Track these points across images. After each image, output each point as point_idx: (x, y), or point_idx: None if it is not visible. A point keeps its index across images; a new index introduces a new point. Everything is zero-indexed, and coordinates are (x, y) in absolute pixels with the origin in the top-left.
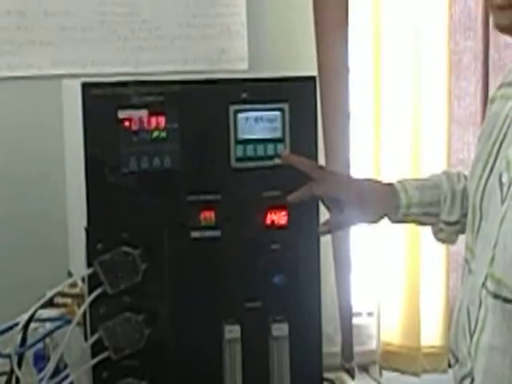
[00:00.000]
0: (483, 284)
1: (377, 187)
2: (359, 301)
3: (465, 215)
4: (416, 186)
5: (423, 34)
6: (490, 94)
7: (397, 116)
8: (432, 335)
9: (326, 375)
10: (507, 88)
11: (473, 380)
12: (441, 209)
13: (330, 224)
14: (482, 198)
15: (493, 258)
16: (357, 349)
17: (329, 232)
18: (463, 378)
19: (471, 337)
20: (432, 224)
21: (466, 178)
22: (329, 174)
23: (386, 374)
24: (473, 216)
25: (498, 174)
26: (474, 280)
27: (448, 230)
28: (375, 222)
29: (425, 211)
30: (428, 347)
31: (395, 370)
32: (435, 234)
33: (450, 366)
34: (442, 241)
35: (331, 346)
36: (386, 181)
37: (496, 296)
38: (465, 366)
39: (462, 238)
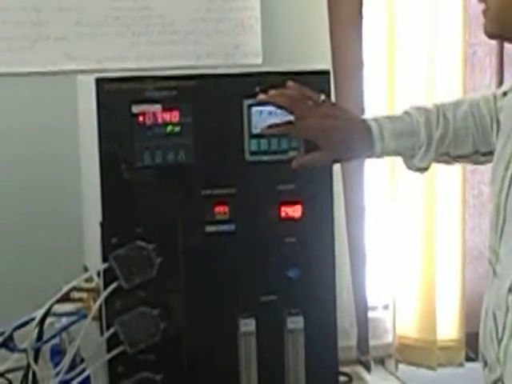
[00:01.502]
0: (510, 289)
1: (359, 137)
2: (375, 294)
3: (437, 159)
4: (393, 133)
5: (438, 27)
6: (503, 87)
7: None
8: (448, 329)
9: (342, 369)
10: None
11: None
12: (414, 154)
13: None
14: (506, 199)
15: None
16: (372, 342)
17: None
18: (494, 383)
19: (499, 342)
20: (403, 159)
21: (445, 117)
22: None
23: (401, 367)
24: (497, 217)
25: None
26: (500, 284)
27: (417, 170)
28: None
29: (398, 154)
30: (444, 341)
31: (411, 363)
32: (405, 163)
33: (467, 360)
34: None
35: (347, 340)
36: None
37: None
38: (494, 372)
39: (479, 232)
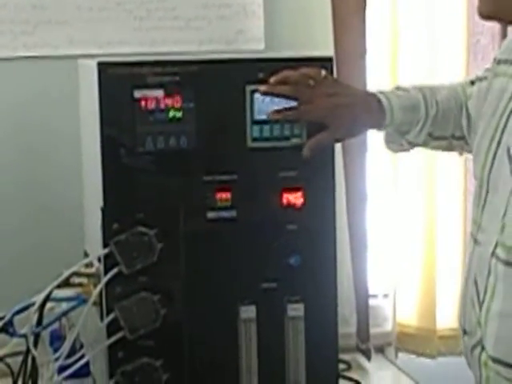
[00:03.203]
0: (493, 253)
1: (367, 110)
2: (375, 282)
3: (427, 139)
4: (400, 106)
5: (441, 15)
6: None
7: None
8: (448, 317)
9: (342, 356)
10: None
11: (483, 348)
12: (410, 129)
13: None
14: (489, 172)
15: (503, 227)
16: (372, 330)
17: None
18: (473, 348)
19: (480, 306)
20: (392, 135)
21: (435, 97)
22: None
23: (401, 355)
24: (479, 189)
25: (506, 147)
26: (482, 251)
27: (405, 147)
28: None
29: (397, 129)
30: (444, 330)
31: (411, 351)
32: (387, 143)
33: None
34: (393, 151)
35: (347, 327)
36: None
37: (508, 263)
38: (474, 336)
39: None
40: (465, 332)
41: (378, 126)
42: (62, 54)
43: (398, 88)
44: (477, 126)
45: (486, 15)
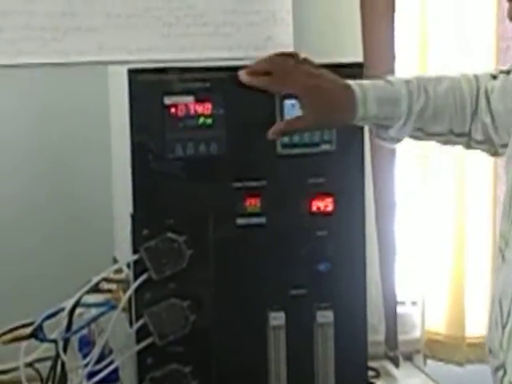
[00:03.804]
0: None
1: (343, 100)
2: (403, 289)
3: (412, 133)
4: (376, 99)
5: (470, 20)
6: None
7: None
8: (477, 325)
9: (370, 364)
10: None
11: (505, 372)
12: (392, 124)
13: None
14: None
15: None
16: (401, 338)
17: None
18: (497, 370)
19: (503, 329)
20: (377, 130)
21: (426, 91)
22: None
23: (430, 363)
24: (509, 203)
25: None
26: (508, 271)
27: (390, 142)
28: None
29: (376, 123)
30: (473, 337)
31: (439, 359)
32: (374, 136)
33: None
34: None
35: (375, 335)
36: None
37: None
38: (497, 358)
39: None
40: (490, 351)
41: (352, 118)
42: (92, 60)
43: (386, 80)
44: (509, 123)
45: None
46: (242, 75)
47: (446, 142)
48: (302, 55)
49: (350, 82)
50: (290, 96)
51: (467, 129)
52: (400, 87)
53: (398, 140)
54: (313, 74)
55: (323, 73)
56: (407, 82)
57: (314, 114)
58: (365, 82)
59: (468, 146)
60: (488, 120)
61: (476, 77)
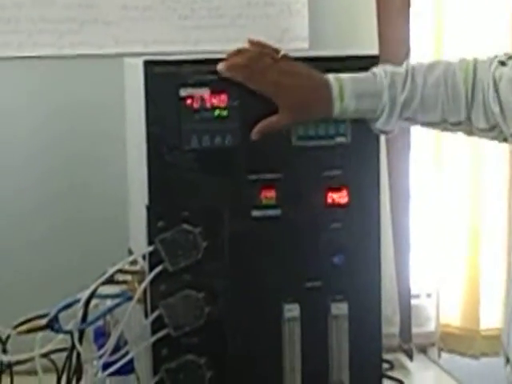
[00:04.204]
0: None
1: (319, 96)
2: (418, 282)
3: (404, 120)
4: (354, 93)
5: (486, 15)
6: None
7: None
8: (492, 318)
9: (384, 356)
10: None
11: (508, 361)
12: (377, 117)
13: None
14: None
15: None
16: (415, 330)
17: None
18: (507, 362)
19: None
20: (368, 121)
21: (414, 81)
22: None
23: (444, 355)
24: None
25: None
26: None
27: (381, 133)
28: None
29: (359, 116)
30: (487, 330)
31: (454, 352)
32: (370, 125)
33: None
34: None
35: (389, 327)
36: None
37: None
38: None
39: None
40: (507, 361)
41: (329, 113)
42: (108, 52)
43: (371, 72)
44: None
45: None
46: (221, 67)
47: (443, 130)
48: (282, 52)
49: (329, 76)
50: None
51: (463, 117)
52: (382, 78)
53: (387, 132)
54: (287, 72)
55: (299, 70)
56: (393, 72)
57: (289, 112)
58: (345, 75)
59: (470, 134)
60: (497, 110)
61: (475, 64)
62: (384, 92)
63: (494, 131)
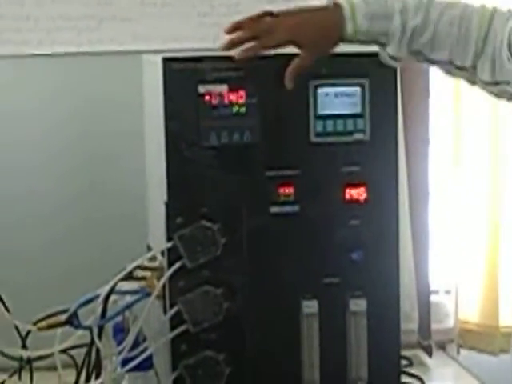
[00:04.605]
0: None
1: (332, 20)
2: (437, 278)
3: (413, 52)
4: (366, 14)
5: None
6: None
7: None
8: (511, 314)
9: (403, 352)
10: None
11: None
12: (388, 41)
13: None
14: None
15: None
16: (434, 327)
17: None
18: None
19: None
20: (379, 49)
21: (428, 12)
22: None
23: (463, 352)
24: None
25: None
26: None
27: (390, 61)
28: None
29: (372, 39)
30: (506, 326)
31: (473, 348)
32: (381, 54)
33: None
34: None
35: (408, 324)
36: None
37: None
38: None
39: None
40: None
41: (343, 34)
42: (126, 49)
43: None
44: None
45: None
46: (237, 54)
47: (448, 73)
48: (275, 11)
49: (341, 0)
50: (323, 85)
51: (468, 64)
52: (393, 2)
53: (397, 59)
54: (292, 14)
55: (302, 9)
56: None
57: (309, 48)
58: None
59: (473, 84)
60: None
61: (492, 13)
62: (395, 15)
63: (499, 86)
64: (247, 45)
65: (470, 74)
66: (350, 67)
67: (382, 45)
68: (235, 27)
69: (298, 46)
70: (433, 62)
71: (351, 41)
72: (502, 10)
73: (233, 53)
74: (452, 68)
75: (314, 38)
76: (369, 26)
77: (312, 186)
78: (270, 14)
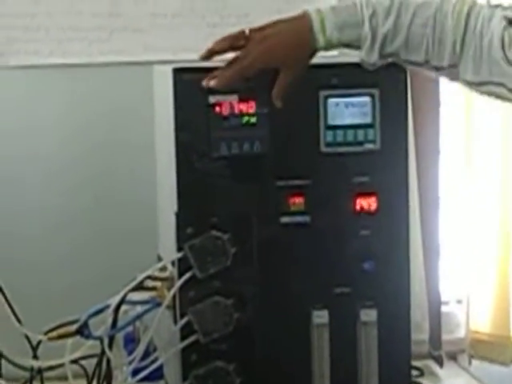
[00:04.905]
0: None
1: (303, 36)
2: (448, 288)
3: (384, 57)
4: (336, 25)
5: None
6: None
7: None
8: None
9: (414, 363)
10: None
11: None
12: (361, 46)
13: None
14: None
15: None
16: (445, 337)
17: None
18: None
19: None
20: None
21: (399, 16)
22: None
23: (475, 362)
24: None
25: None
26: None
27: (368, 66)
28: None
29: (346, 46)
30: None
31: (484, 358)
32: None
33: None
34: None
35: (419, 334)
36: None
37: None
38: None
39: None
40: None
41: (317, 48)
42: (137, 60)
43: (352, 2)
44: None
45: None
46: (213, 83)
47: (428, 71)
48: (246, 31)
49: (311, 10)
50: (334, 95)
51: (445, 64)
52: (364, 9)
53: (371, 64)
54: (263, 37)
55: (274, 27)
56: (376, 4)
57: (287, 66)
58: (325, 8)
59: (454, 81)
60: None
61: (468, 12)
62: (365, 22)
63: (486, 86)
64: (225, 72)
65: (448, 73)
66: (360, 77)
67: (357, 48)
68: (210, 53)
69: (278, 66)
70: (409, 63)
71: (326, 49)
72: (479, 6)
73: (206, 82)
74: (430, 68)
75: (286, 59)
76: (339, 36)
77: (322, 196)
78: (243, 33)
